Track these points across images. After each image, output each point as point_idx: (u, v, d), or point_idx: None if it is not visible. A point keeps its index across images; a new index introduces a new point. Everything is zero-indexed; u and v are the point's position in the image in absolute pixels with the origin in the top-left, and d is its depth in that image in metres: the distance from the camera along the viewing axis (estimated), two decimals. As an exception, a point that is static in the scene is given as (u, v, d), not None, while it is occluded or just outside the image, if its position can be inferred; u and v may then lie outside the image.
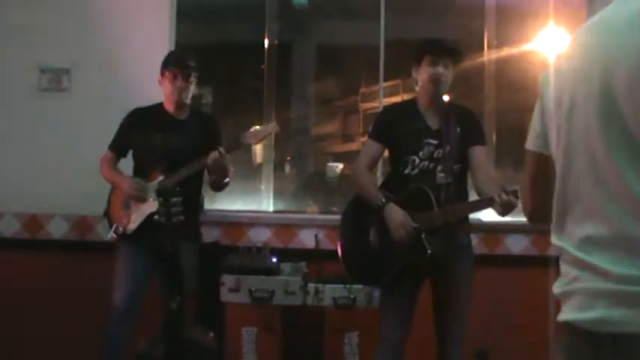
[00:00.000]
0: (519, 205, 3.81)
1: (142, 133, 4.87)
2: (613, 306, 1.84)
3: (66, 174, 5.46)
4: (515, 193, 3.79)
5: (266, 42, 6.29)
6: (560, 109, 2.09)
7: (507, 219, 4.63)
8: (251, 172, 6.21)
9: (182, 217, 4.30)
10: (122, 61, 5.57)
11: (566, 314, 2.00)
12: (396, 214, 4.15)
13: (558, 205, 2.08)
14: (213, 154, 4.56)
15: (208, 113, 5.02)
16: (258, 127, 4.76)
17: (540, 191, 2.24)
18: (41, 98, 5.74)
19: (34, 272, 5.60)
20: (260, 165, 6.22)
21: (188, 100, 4.91)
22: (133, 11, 5.74)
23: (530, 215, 2.36)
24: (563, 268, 2.06)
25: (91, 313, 5.05)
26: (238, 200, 6.06)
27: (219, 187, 4.95)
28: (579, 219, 1.99)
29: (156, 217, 4.12)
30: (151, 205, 4.61)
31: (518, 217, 5.47)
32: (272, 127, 4.81)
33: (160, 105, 4.94)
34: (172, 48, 5.77)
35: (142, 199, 4.73)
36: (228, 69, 6.64)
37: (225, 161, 4.64)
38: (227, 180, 4.89)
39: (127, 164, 4.98)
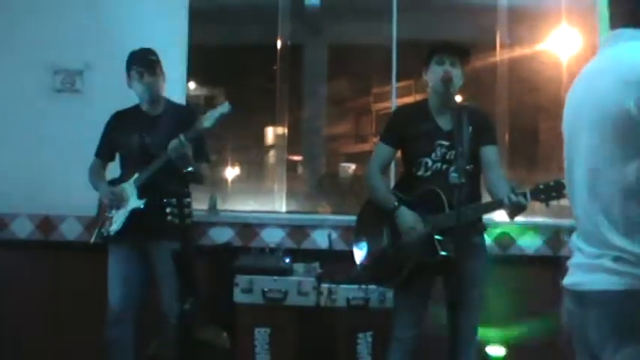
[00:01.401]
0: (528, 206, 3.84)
1: (121, 135, 4.90)
2: (581, 272, 2.65)
3: (79, 175, 5.44)
4: (524, 195, 3.78)
5: (278, 43, 6.30)
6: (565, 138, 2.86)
7: (520, 219, 4.62)
8: (263, 173, 6.21)
9: (193, 218, 4.31)
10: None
11: (563, 280, 2.75)
12: (408, 218, 4.16)
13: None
14: (173, 142, 4.55)
15: (184, 105, 4.98)
16: (210, 110, 4.67)
17: None
18: (54, 99, 5.77)
19: (47, 273, 5.61)
20: (273, 165, 6.22)
21: (162, 93, 4.92)
22: (147, 12, 5.75)
23: None
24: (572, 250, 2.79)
25: (104, 314, 5.06)
26: (251, 201, 6.07)
27: (193, 178, 4.85)
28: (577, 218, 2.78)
29: (169, 217, 4.13)
30: (129, 205, 4.71)
31: (531, 218, 5.52)
32: (223, 106, 4.60)
33: (137, 105, 4.96)
34: (186, 49, 5.79)
35: (117, 205, 4.79)
36: (241, 70, 6.66)
37: (185, 149, 4.57)
38: (190, 169, 4.73)
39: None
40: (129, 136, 4.84)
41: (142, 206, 4.69)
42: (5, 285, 5.54)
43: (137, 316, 4.87)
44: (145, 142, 4.80)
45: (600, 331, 2.55)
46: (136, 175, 4.75)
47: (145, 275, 4.87)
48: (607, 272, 2.52)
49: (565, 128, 2.86)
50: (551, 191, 3.71)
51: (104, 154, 5.03)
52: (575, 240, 2.75)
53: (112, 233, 4.79)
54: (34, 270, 5.62)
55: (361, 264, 4.45)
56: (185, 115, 4.94)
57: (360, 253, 4.45)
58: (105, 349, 4.80)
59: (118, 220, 4.78)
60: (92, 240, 4.88)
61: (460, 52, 4.33)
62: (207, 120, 4.56)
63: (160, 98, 4.93)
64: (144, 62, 4.84)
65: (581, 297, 2.61)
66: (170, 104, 5.00)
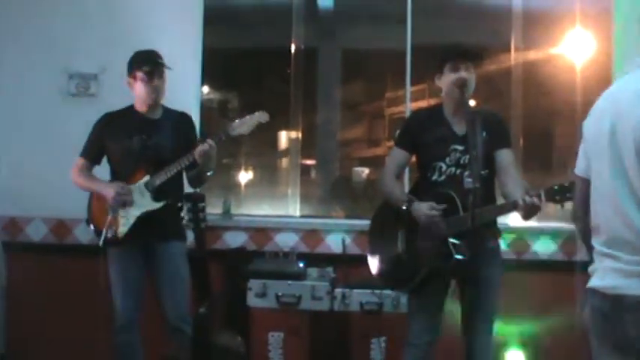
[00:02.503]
0: (543, 208, 3.82)
1: (115, 138, 4.82)
2: (619, 277, 2.79)
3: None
4: (539, 196, 3.76)
5: (292, 47, 6.30)
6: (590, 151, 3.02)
7: (535, 224, 4.63)
8: (277, 177, 6.21)
9: (207, 222, 4.32)
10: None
11: (591, 283, 2.93)
12: (421, 206, 4.14)
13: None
14: (203, 146, 4.52)
15: (181, 111, 4.95)
16: (248, 116, 4.67)
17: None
18: (69, 103, 5.79)
19: (61, 276, 5.62)
20: (286, 169, 6.22)
21: (163, 98, 4.88)
22: (161, 16, 5.76)
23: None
24: (595, 256, 2.95)
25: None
26: (265, 205, 6.07)
27: (200, 180, 4.86)
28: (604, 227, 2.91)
29: (184, 221, 4.13)
30: (140, 206, 4.65)
31: (545, 222, 5.51)
32: (259, 115, 4.64)
33: (131, 107, 4.89)
34: (200, 53, 5.80)
35: (128, 203, 4.70)
36: (255, 73, 6.66)
37: (213, 152, 4.58)
38: (210, 173, 4.80)
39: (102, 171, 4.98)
40: (127, 139, 4.76)
41: (158, 208, 4.66)
42: (20, 288, 5.56)
43: (139, 317, 4.83)
44: (147, 144, 4.74)
45: None
46: (146, 178, 4.68)
47: (145, 277, 4.82)
48: None
49: (591, 138, 3.02)
50: (566, 192, 3.68)
51: (91, 154, 4.92)
52: (600, 246, 2.92)
53: (119, 236, 4.71)
54: (48, 273, 5.64)
55: (377, 272, 4.44)
56: (182, 120, 4.95)
57: (375, 261, 4.44)
58: (115, 354, 4.80)
59: (126, 223, 4.70)
60: (100, 243, 4.74)
61: (473, 56, 4.33)
62: (244, 127, 4.57)
63: (159, 103, 4.89)
64: (153, 64, 4.79)
65: (619, 300, 2.77)
66: (166, 109, 4.95)
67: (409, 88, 6.05)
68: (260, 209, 6.03)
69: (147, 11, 5.77)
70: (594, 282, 2.91)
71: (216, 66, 6.17)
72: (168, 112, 4.94)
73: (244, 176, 6.64)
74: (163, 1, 5.83)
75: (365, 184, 6.71)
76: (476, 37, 5.98)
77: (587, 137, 3.04)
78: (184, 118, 4.99)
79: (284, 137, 6.70)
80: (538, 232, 5.66)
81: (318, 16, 6.62)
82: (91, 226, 4.86)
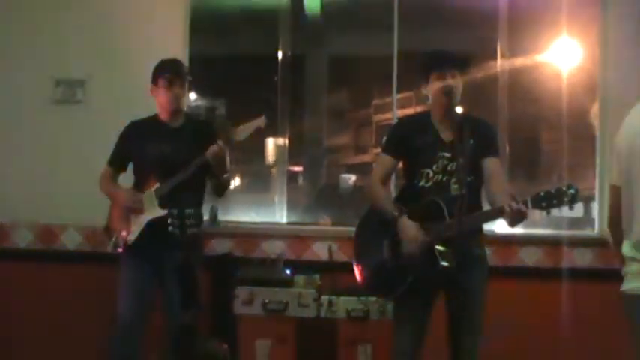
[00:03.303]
0: (529, 215, 3.82)
1: (138, 145, 4.85)
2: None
3: (80, 185, 5.47)
4: (525, 202, 3.77)
5: (279, 54, 6.30)
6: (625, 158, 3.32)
7: (521, 231, 4.64)
8: (264, 184, 6.21)
9: (196, 229, 4.31)
10: (136, 73, 5.57)
11: (622, 286, 3.25)
12: (409, 228, 4.13)
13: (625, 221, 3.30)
14: (213, 148, 4.53)
15: (203, 119, 4.96)
16: (247, 123, 4.69)
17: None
18: (56, 110, 5.78)
19: (47, 283, 5.61)
20: (273, 176, 6.22)
21: (184, 107, 4.90)
22: (148, 24, 5.77)
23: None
24: (625, 260, 3.25)
25: (103, 325, 5.05)
26: (251, 212, 6.07)
27: (221, 187, 4.91)
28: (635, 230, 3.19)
29: (170, 228, 4.12)
30: (150, 213, 4.65)
31: (532, 229, 5.52)
32: (260, 120, 4.64)
33: (155, 116, 4.92)
34: (187, 60, 5.80)
35: (138, 210, 4.73)
36: (241, 81, 6.65)
37: (224, 154, 4.61)
38: (227, 176, 4.84)
39: (128, 178, 4.98)
40: (148, 146, 4.79)
41: (163, 215, 4.65)
42: (5, 294, 5.54)
43: (144, 328, 4.79)
44: (166, 153, 4.75)
45: None
46: (157, 185, 4.70)
47: (155, 288, 4.82)
48: None
49: (624, 150, 3.35)
50: (552, 199, 3.69)
51: (118, 163, 4.98)
52: (632, 253, 3.23)
53: (129, 243, 4.75)
54: (33, 279, 5.62)
55: (363, 279, 4.44)
56: (204, 128, 4.94)
57: (360, 268, 4.44)
58: (110, 354, 4.76)
59: (135, 230, 4.73)
60: (109, 248, 4.83)
61: (459, 63, 4.33)
62: (243, 132, 4.58)
63: (181, 111, 4.92)
64: (175, 72, 4.82)
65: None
66: (189, 117, 5.00)
67: (396, 95, 6.06)
68: (247, 216, 6.03)
69: (133, 18, 5.77)
70: (622, 286, 3.27)
71: (203, 73, 6.16)
72: (190, 121, 4.97)
73: (231, 183, 6.63)
74: (150, 8, 5.82)
75: (352, 191, 6.71)
76: (462, 44, 5.99)
77: (620, 150, 3.37)
78: (205, 127, 4.99)
79: (271, 144, 6.69)
80: (524, 240, 5.67)
81: (305, 23, 6.62)
82: (105, 234, 4.92)
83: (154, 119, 4.92)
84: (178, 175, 4.62)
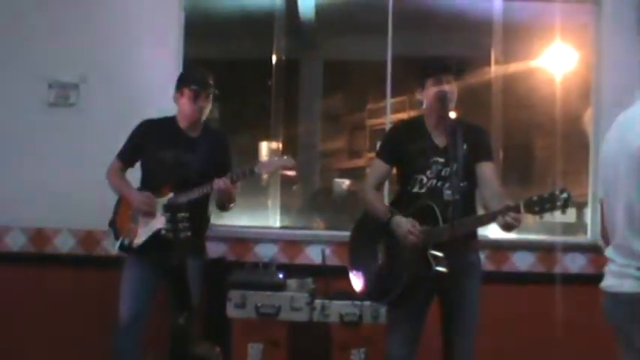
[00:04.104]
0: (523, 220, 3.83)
1: (154, 146, 4.82)
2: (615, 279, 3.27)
3: (73, 189, 5.46)
4: (518, 208, 3.77)
5: (274, 58, 6.31)
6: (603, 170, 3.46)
7: (514, 236, 4.64)
8: (258, 188, 6.20)
9: (189, 233, 4.29)
10: (130, 76, 5.58)
11: (601, 284, 3.35)
12: (403, 223, 4.13)
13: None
14: (224, 181, 4.54)
15: (220, 131, 4.95)
16: (275, 157, 4.71)
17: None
18: (49, 113, 5.75)
19: (41, 286, 5.59)
20: (267, 180, 6.21)
21: (204, 117, 4.89)
22: (142, 27, 5.75)
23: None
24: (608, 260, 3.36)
25: (97, 328, 5.05)
26: (245, 216, 6.06)
27: (223, 209, 4.95)
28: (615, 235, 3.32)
29: (163, 232, 4.11)
30: (159, 221, 4.58)
31: (525, 234, 5.54)
32: (287, 160, 4.67)
33: (173, 119, 4.89)
34: (180, 63, 5.79)
35: (151, 215, 4.72)
36: (236, 84, 6.65)
37: (232, 190, 4.63)
38: (232, 205, 4.88)
39: (134, 174, 4.97)
40: (164, 151, 4.77)
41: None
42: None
43: (144, 329, 4.79)
44: (183, 161, 4.75)
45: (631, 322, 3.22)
46: (170, 195, 4.66)
47: (157, 290, 4.82)
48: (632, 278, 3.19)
49: (603, 163, 3.47)
50: (545, 203, 3.69)
51: (128, 158, 4.94)
52: (609, 252, 3.35)
53: (134, 246, 4.74)
54: (26, 283, 5.60)
55: (357, 284, 4.43)
56: (219, 140, 4.94)
57: (354, 273, 4.43)
58: (112, 355, 4.75)
59: (143, 235, 4.72)
60: (116, 249, 4.82)
61: (455, 69, 4.34)
62: (267, 168, 4.61)
63: (201, 122, 4.89)
64: (202, 84, 4.79)
65: (615, 297, 3.27)
66: (206, 127, 4.95)
67: (389, 100, 6.06)
68: (240, 220, 6.02)
69: (128, 22, 5.75)
70: (602, 283, 3.37)
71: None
72: (208, 132, 4.94)
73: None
74: (144, 11, 5.80)
75: (345, 196, 6.71)
76: (457, 50, 6.02)
77: (600, 161, 3.52)
78: (221, 140, 4.99)
79: (265, 148, 6.69)
80: (517, 244, 5.68)
81: (299, 27, 6.63)
82: (111, 230, 4.91)
83: (172, 123, 4.88)
84: (192, 193, 4.61)
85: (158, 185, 4.75)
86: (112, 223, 4.91)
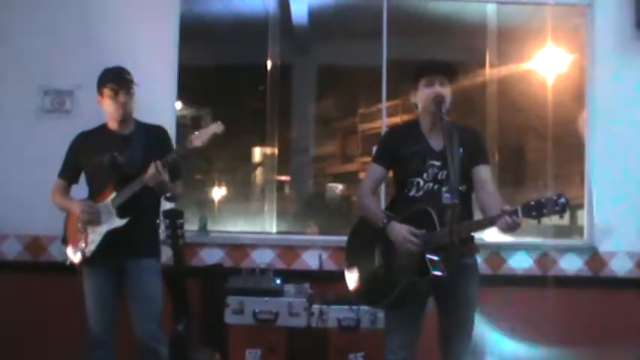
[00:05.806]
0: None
1: (88, 155, 4.80)
2: None
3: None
4: (516, 212, 3.78)
5: (268, 63, 6.31)
6: None
7: (510, 239, 4.65)
8: (253, 194, 6.21)
9: (186, 240, 4.29)
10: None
11: None
12: (400, 230, 4.13)
13: None
14: (150, 170, 4.48)
15: (155, 124, 4.91)
16: (205, 128, 4.64)
17: None
18: (44, 120, 5.76)
19: (36, 294, 5.59)
20: (262, 186, 6.22)
21: (133, 113, 4.85)
22: (137, 33, 5.76)
23: None
24: None
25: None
26: (241, 222, 6.07)
27: (167, 199, 4.86)
28: None
29: (162, 238, 4.10)
30: (108, 224, 4.60)
31: (521, 237, 5.54)
32: (217, 125, 4.56)
33: (104, 125, 4.87)
34: (176, 70, 5.79)
35: (95, 222, 4.66)
36: (230, 90, 6.66)
37: (162, 177, 4.52)
38: (169, 195, 4.77)
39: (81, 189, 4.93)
40: (99, 156, 4.71)
41: (123, 224, 4.62)
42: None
43: (113, 338, 4.72)
44: (117, 161, 4.68)
45: None
46: (113, 195, 4.63)
47: (119, 295, 4.75)
48: None
49: None
50: (543, 208, 3.70)
51: (68, 175, 4.92)
52: None
53: (87, 254, 4.66)
54: (22, 291, 5.59)
55: (354, 288, 4.43)
56: (156, 134, 4.89)
57: (351, 277, 4.43)
58: None
59: (94, 240, 4.65)
60: (67, 262, 4.74)
61: (448, 71, 4.33)
62: (199, 139, 4.52)
63: (131, 118, 4.86)
64: (119, 81, 4.75)
65: None
66: (139, 124, 4.91)
67: (385, 104, 6.07)
68: (236, 226, 6.02)
69: (123, 28, 5.76)
70: None
71: (191, 82, 6.16)
72: (140, 128, 4.90)
73: (220, 193, 6.63)
74: (139, 17, 5.81)
75: (339, 200, 6.72)
76: (451, 53, 6.03)
77: None
78: (158, 131, 4.94)
79: (259, 153, 6.70)
80: (514, 248, 5.69)
81: (293, 32, 6.63)
82: (63, 246, 4.83)
83: (103, 128, 4.87)
84: (133, 186, 4.57)
85: (102, 189, 4.70)
86: (64, 240, 4.85)
